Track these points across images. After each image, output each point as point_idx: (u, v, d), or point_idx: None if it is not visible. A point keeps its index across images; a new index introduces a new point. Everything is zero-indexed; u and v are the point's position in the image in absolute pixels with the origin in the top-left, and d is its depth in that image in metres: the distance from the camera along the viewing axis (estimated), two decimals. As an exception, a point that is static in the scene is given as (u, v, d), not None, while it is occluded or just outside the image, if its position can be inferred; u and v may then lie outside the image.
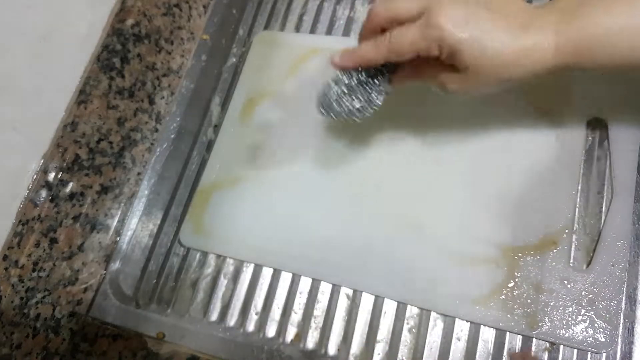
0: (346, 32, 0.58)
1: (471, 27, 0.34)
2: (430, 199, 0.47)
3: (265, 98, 0.57)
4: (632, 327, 0.39)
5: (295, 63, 0.58)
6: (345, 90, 0.40)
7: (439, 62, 0.36)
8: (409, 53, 0.37)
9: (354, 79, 0.40)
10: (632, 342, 0.39)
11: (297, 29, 0.61)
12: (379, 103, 0.40)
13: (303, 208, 0.50)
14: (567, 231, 0.43)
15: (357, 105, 0.40)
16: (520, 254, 0.43)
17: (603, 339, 0.39)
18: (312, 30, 0.60)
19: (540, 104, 0.47)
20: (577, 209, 0.43)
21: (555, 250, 0.42)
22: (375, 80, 0.40)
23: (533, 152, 0.46)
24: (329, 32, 0.59)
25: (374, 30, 0.39)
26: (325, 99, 0.41)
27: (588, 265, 0.41)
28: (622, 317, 0.39)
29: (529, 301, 0.42)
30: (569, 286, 0.41)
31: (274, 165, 0.53)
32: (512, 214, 0.44)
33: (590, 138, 0.45)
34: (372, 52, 0.38)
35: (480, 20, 0.34)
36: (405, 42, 0.36)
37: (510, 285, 0.42)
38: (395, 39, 0.37)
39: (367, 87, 0.40)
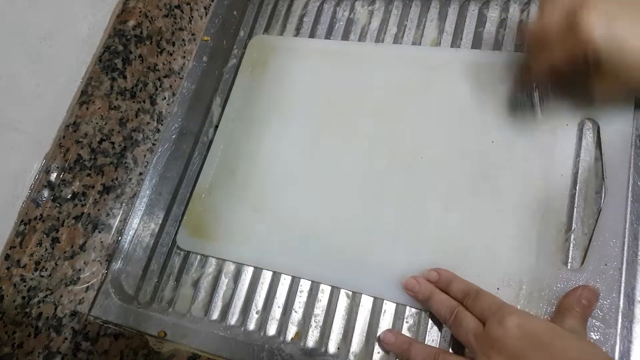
0: (346, 34, 0.59)
1: (613, 34, 0.34)
2: (427, 201, 0.47)
3: (260, 101, 0.58)
4: (631, 327, 0.39)
5: (291, 66, 0.58)
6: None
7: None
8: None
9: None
10: (630, 342, 0.39)
11: (297, 30, 0.61)
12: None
13: (301, 211, 0.51)
14: (564, 231, 0.43)
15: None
16: (515, 254, 0.43)
17: (596, 337, 0.39)
18: (312, 32, 0.60)
19: (534, 107, 0.47)
20: (575, 209, 0.44)
21: (550, 250, 0.43)
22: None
23: (529, 153, 0.46)
24: (329, 33, 0.59)
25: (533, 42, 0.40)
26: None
27: (582, 264, 0.42)
28: (620, 317, 0.39)
29: (522, 300, 0.42)
30: (560, 285, 0.41)
31: (271, 168, 0.54)
32: (508, 215, 0.45)
33: (588, 138, 0.46)
34: None
35: (623, 24, 0.34)
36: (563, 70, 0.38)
37: (504, 285, 0.42)
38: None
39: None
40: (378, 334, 0.44)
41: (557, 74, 0.40)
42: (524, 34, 0.41)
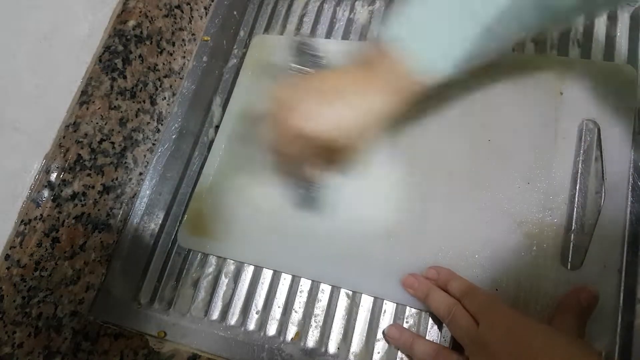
0: (346, 34, 0.59)
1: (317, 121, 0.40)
2: (426, 200, 0.47)
3: (261, 101, 0.57)
4: (630, 326, 0.39)
5: (291, 67, 0.58)
6: None
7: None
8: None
9: None
10: (630, 342, 0.39)
11: (298, 30, 0.61)
12: None
13: (301, 210, 0.50)
14: (564, 231, 0.43)
15: None
16: (514, 255, 0.43)
17: (596, 338, 0.39)
18: (312, 32, 0.60)
19: (532, 106, 0.48)
20: (575, 209, 0.44)
21: (550, 250, 0.43)
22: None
23: (528, 153, 0.46)
24: (329, 33, 0.59)
25: None
26: None
27: (581, 265, 0.42)
28: (620, 317, 0.40)
29: (521, 301, 0.42)
30: (559, 286, 0.41)
31: (271, 168, 0.53)
32: (507, 215, 0.45)
33: (588, 139, 0.46)
34: None
35: (320, 106, 0.41)
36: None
37: (504, 285, 0.43)
38: None
39: None
40: (383, 329, 0.45)
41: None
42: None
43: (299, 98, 0.42)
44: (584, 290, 0.40)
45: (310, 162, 0.46)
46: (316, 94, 0.42)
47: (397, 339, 0.43)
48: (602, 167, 0.44)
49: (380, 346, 0.44)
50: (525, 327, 0.37)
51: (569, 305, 0.39)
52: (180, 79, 0.59)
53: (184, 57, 0.59)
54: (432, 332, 0.44)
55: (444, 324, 0.43)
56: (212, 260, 0.52)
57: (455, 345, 0.42)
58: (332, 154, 0.43)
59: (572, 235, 0.43)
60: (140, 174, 0.54)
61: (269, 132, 0.44)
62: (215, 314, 0.49)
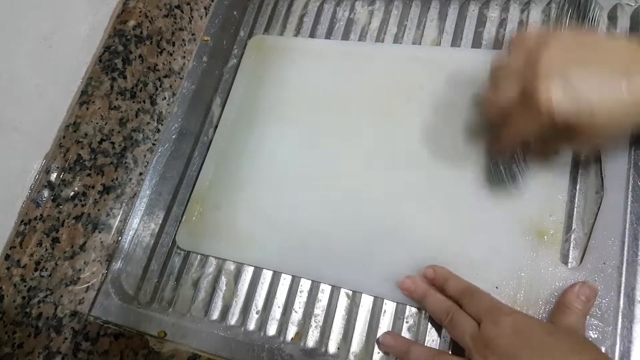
0: (346, 34, 0.59)
1: (576, 99, 0.32)
2: (427, 200, 0.47)
3: (260, 101, 0.58)
4: (631, 327, 0.39)
5: (291, 66, 0.58)
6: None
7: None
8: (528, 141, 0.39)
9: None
10: (630, 342, 0.39)
11: (297, 30, 0.61)
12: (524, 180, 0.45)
13: (301, 210, 0.51)
14: (564, 230, 0.43)
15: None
16: (514, 253, 0.43)
17: (595, 336, 0.39)
18: (312, 32, 0.60)
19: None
20: (575, 209, 0.44)
21: (549, 250, 0.43)
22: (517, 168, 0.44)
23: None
24: (329, 33, 0.59)
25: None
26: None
27: (580, 263, 0.42)
28: (620, 317, 0.40)
29: (521, 299, 0.42)
30: (559, 284, 0.41)
31: (271, 167, 0.54)
32: (507, 214, 0.45)
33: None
34: None
35: (584, 84, 0.32)
36: (517, 138, 0.38)
37: (503, 283, 0.43)
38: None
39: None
40: (377, 337, 0.44)
41: (527, 145, 0.40)
42: (487, 107, 0.40)
43: (559, 61, 0.32)
44: (583, 284, 0.40)
45: (535, 142, 0.38)
46: (582, 58, 0.33)
47: (392, 346, 0.43)
48: (602, 167, 0.44)
49: (379, 348, 0.44)
50: (527, 323, 0.37)
51: (568, 300, 0.39)
52: (180, 79, 0.59)
53: (184, 57, 0.59)
54: (432, 333, 0.43)
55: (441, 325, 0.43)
56: (212, 260, 0.52)
57: (455, 349, 0.42)
58: (571, 139, 0.35)
59: (572, 235, 0.43)
60: (140, 174, 0.54)
61: (492, 92, 0.36)
62: (215, 314, 0.49)
